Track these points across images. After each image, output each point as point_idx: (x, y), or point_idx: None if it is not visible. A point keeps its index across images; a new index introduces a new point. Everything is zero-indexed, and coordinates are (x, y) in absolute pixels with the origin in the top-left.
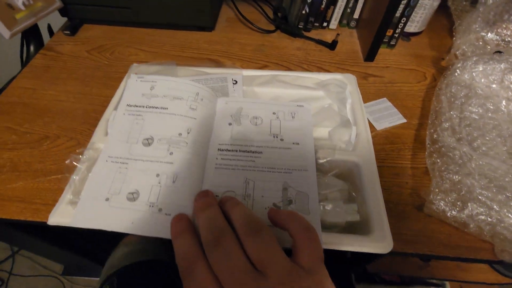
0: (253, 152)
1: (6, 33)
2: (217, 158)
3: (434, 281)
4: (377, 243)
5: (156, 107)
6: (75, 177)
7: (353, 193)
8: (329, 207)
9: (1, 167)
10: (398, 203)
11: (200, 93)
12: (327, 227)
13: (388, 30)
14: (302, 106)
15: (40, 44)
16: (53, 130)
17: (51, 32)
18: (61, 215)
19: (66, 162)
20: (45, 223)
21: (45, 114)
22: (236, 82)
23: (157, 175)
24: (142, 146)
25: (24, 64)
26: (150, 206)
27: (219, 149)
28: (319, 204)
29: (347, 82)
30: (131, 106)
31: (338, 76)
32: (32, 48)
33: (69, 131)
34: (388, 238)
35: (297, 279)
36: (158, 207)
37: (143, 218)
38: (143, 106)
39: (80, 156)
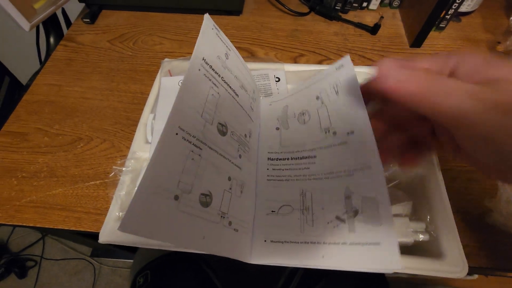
0: (306, 157)
1: (26, 25)
2: (268, 169)
3: None
4: (452, 267)
5: (230, 87)
6: (121, 193)
7: (416, 207)
8: (395, 225)
9: (38, 172)
10: (457, 211)
11: (255, 92)
12: None
13: None
14: (342, 67)
15: (60, 34)
16: (85, 132)
17: (65, 16)
18: (112, 234)
19: (110, 175)
20: (87, 232)
21: (74, 114)
22: (279, 79)
23: (229, 179)
24: (216, 132)
25: (45, 56)
26: (221, 216)
27: (269, 158)
28: None
29: None
30: (207, 65)
31: None
32: (52, 39)
33: (101, 132)
34: (464, 262)
35: None
36: (228, 220)
37: (214, 233)
38: (219, 76)
39: (123, 168)
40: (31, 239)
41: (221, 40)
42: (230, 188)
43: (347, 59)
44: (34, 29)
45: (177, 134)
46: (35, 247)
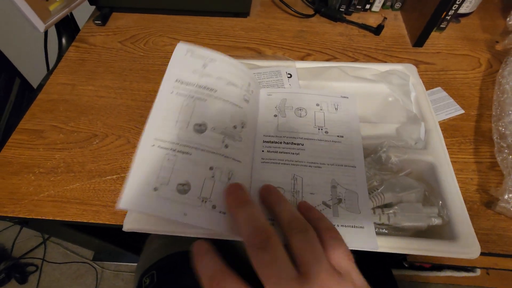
0: (297, 144)
1: (41, 26)
2: (262, 151)
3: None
4: (466, 248)
5: (210, 89)
6: None
7: (428, 194)
8: (408, 210)
9: (55, 167)
10: (464, 200)
11: (251, 84)
12: (402, 230)
13: None
14: (346, 98)
15: (71, 36)
16: (100, 128)
17: (73, 20)
18: (136, 222)
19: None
20: (105, 225)
21: (88, 111)
22: (291, 75)
23: (211, 168)
24: (193, 132)
25: (57, 57)
26: (202, 201)
27: (264, 141)
28: (395, 208)
29: (408, 73)
30: (181, 83)
31: (398, 66)
32: (64, 40)
33: (116, 129)
34: (476, 243)
35: (338, 284)
36: (211, 204)
37: (196, 211)
38: (194, 85)
39: None
40: (32, 244)
41: (198, 57)
42: (213, 176)
43: (352, 97)
44: (43, 33)
45: (153, 145)
46: (36, 252)
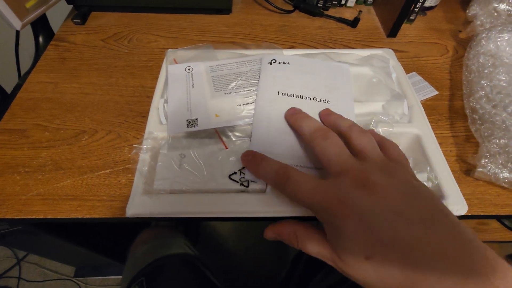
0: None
1: (17, 24)
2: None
3: None
4: (455, 206)
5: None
6: (144, 168)
7: (416, 162)
8: None
9: (42, 166)
10: None
11: None
12: None
13: None
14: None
15: (49, 35)
16: (88, 125)
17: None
18: (139, 206)
19: (132, 153)
20: (100, 218)
21: (74, 109)
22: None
23: None
24: None
25: (34, 56)
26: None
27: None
28: None
29: (388, 57)
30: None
31: (378, 51)
32: (41, 39)
33: (105, 124)
34: (463, 200)
35: (391, 166)
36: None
37: None
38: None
39: (143, 146)
40: (4, 266)
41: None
42: None
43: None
44: (14, 37)
45: None
46: (10, 274)
